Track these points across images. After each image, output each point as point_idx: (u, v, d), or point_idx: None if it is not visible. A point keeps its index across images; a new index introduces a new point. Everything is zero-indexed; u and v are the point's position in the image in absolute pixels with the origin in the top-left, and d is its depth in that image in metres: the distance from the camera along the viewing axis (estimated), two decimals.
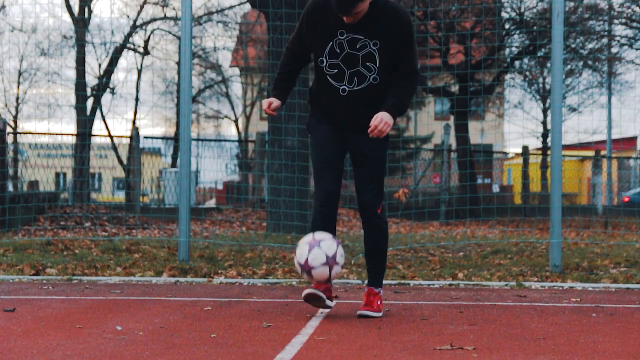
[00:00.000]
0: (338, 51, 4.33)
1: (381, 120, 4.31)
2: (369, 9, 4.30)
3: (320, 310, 4.85)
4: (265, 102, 4.54)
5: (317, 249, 4.32)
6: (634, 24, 16.87)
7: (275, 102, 4.51)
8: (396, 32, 4.32)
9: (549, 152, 9.53)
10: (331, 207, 4.52)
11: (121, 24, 34.79)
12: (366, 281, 6.21)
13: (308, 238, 4.40)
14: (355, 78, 4.36)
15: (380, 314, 4.58)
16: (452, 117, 19.98)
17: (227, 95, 32.72)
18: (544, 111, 25.75)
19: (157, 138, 21.28)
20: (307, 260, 4.32)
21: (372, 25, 4.30)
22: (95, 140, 23.47)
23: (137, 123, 26.62)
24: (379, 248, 4.65)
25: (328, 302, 4.51)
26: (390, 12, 4.31)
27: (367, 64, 4.33)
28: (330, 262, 4.32)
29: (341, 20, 4.31)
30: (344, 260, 4.42)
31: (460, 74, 16.07)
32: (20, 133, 19.06)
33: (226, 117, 34.29)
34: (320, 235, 4.39)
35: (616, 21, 17.00)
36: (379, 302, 4.61)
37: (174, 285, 6.17)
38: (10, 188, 13.42)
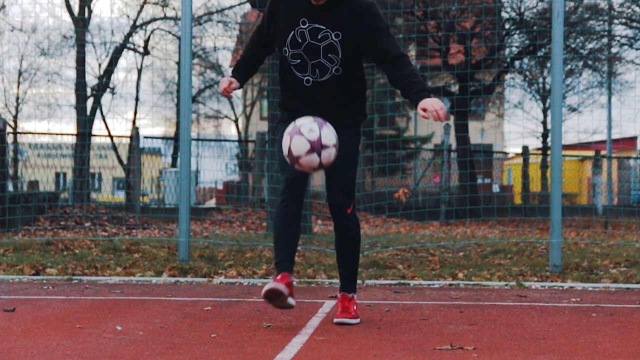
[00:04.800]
0: (300, 41, 4.23)
1: (436, 106, 4.02)
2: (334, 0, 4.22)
3: (320, 310, 4.85)
4: (225, 81, 4.34)
5: (297, 136, 4.04)
6: (634, 24, 16.87)
7: (235, 83, 4.36)
8: (361, 23, 4.20)
9: (549, 152, 9.53)
10: (297, 192, 4.29)
11: (121, 23, 34.82)
12: (367, 281, 6.21)
13: (289, 128, 4.11)
14: (317, 70, 4.24)
15: (357, 320, 4.38)
16: (452, 117, 19.98)
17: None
18: (544, 111, 25.74)
19: (157, 138, 21.26)
20: (290, 150, 4.05)
21: (335, 16, 4.20)
22: (95, 140, 23.44)
23: (137, 123, 26.60)
24: (350, 251, 4.43)
25: (290, 301, 4.15)
26: (353, 4, 4.22)
27: (329, 55, 4.21)
28: (316, 146, 4.02)
29: (304, 9, 4.22)
30: (334, 141, 4.06)
31: (460, 74, 16.07)
32: (20, 133, 19.03)
33: (226, 117, 34.29)
34: (300, 121, 4.11)
35: (616, 21, 16.99)
36: (354, 308, 4.42)
37: (174, 285, 6.17)
38: (10, 188, 13.42)
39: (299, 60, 4.25)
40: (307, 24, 4.22)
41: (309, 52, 4.23)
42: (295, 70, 4.28)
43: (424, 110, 4.05)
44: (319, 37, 4.22)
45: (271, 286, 4.08)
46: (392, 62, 4.23)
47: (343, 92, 4.29)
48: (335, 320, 4.37)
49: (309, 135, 4.02)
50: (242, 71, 4.50)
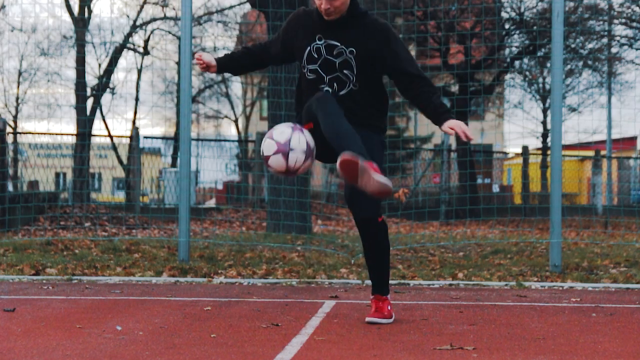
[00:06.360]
0: (315, 56, 4.30)
1: (460, 126, 4.10)
2: (349, 16, 4.26)
3: (320, 310, 4.85)
4: (206, 58, 4.44)
5: (268, 139, 4.15)
6: (634, 24, 16.87)
7: (212, 62, 4.44)
8: (375, 41, 4.24)
9: (549, 152, 9.53)
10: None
11: (121, 24, 34.84)
12: (367, 281, 6.20)
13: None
14: (335, 84, 4.29)
15: (390, 320, 4.36)
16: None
17: (227, 95, 32.72)
18: (544, 111, 25.73)
19: (157, 138, 21.25)
20: (262, 150, 4.17)
21: (349, 33, 4.27)
22: (95, 140, 23.41)
23: (137, 123, 26.60)
24: (382, 258, 4.38)
25: (379, 178, 3.87)
26: (368, 21, 4.28)
27: (345, 71, 4.28)
28: (282, 149, 4.08)
29: (319, 25, 4.30)
30: (303, 147, 4.11)
31: (460, 74, 16.07)
32: (20, 133, 19.00)
33: (226, 117, 34.29)
34: (276, 126, 4.21)
35: (616, 21, 17.00)
36: (388, 308, 4.40)
37: (174, 285, 6.17)
38: (10, 188, 13.41)
39: (315, 76, 4.32)
40: (323, 40, 4.30)
41: (325, 67, 4.29)
42: (314, 83, 4.33)
43: (452, 129, 4.13)
44: (334, 53, 4.29)
45: (345, 157, 3.89)
46: (412, 82, 4.30)
47: (359, 106, 4.29)
48: (367, 319, 4.35)
49: (278, 137, 4.12)
50: (228, 57, 4.55)
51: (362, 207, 4.22)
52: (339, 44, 4.27)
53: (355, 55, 4.26)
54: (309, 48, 4.31)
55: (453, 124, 4.14)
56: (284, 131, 4.15)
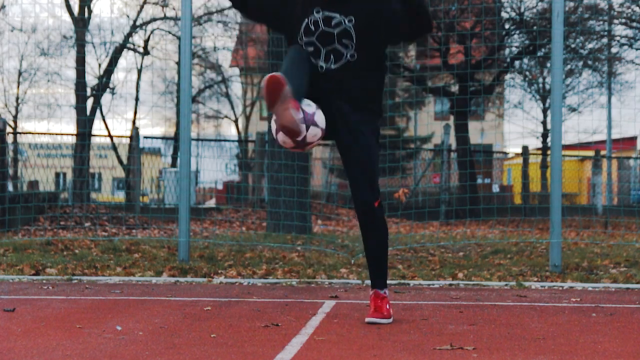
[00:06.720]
0: (313, 29, 4.29)
1: None
2: None
3: (320, 310, 4.85)
4: None
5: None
6: (634, 24, 16.86)
7: None
8: (372, 3, 4.25)
9: (549, 152, 9.54)
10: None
11: (121, 24, 34.85)
12: (367, 281, 6.21)
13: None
14: (332, 56, 4.27)
15: (389, 320, 4.35)
16: (452, 117, 19.99)
17: (227, 95, 32.73)
18: (544, 111, 25.73)
19: (157, 138, 21.27)
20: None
21: (347, 3, 4.27)
22: (95, 140, 23.40)
23: (137, 123, 26.60)
24: (380, 247, 4.39)
25: (295, 114, 3.94)
26: None
27: (344, 40, 4.26)
28: (308, 120, 4.07)
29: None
30: (323, 125, 4.13)
31: (460, 74, 16.07)
32: (20, 133, 19.02)
33: (226, 117, 34.30)
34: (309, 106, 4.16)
35: (616, 21, 16.99)
36: (387, 307, 4.38)
37: (174, 285, 6.17)
38: (10, 188, 13.42)
39: (312, 48, 4.30)
40: (321, 12, 4.29)
41: (322, 39, 4.27)
42: (310, 56, 4.31)
43: None
44: (332, 24, 4.28)
45: (276, 75, 3.90)
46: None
47: (357, 79, 4.28)
48: (367, 319, 4.34)
49: (305, 107, 4.10)
50: None
51: (359, 191, 4.27)
52: (337, 15, 4.27)
53: (355, 24, 4.25)
54: (306, 20, 4.30)
55: None
56: (310, 104, 4.13)
